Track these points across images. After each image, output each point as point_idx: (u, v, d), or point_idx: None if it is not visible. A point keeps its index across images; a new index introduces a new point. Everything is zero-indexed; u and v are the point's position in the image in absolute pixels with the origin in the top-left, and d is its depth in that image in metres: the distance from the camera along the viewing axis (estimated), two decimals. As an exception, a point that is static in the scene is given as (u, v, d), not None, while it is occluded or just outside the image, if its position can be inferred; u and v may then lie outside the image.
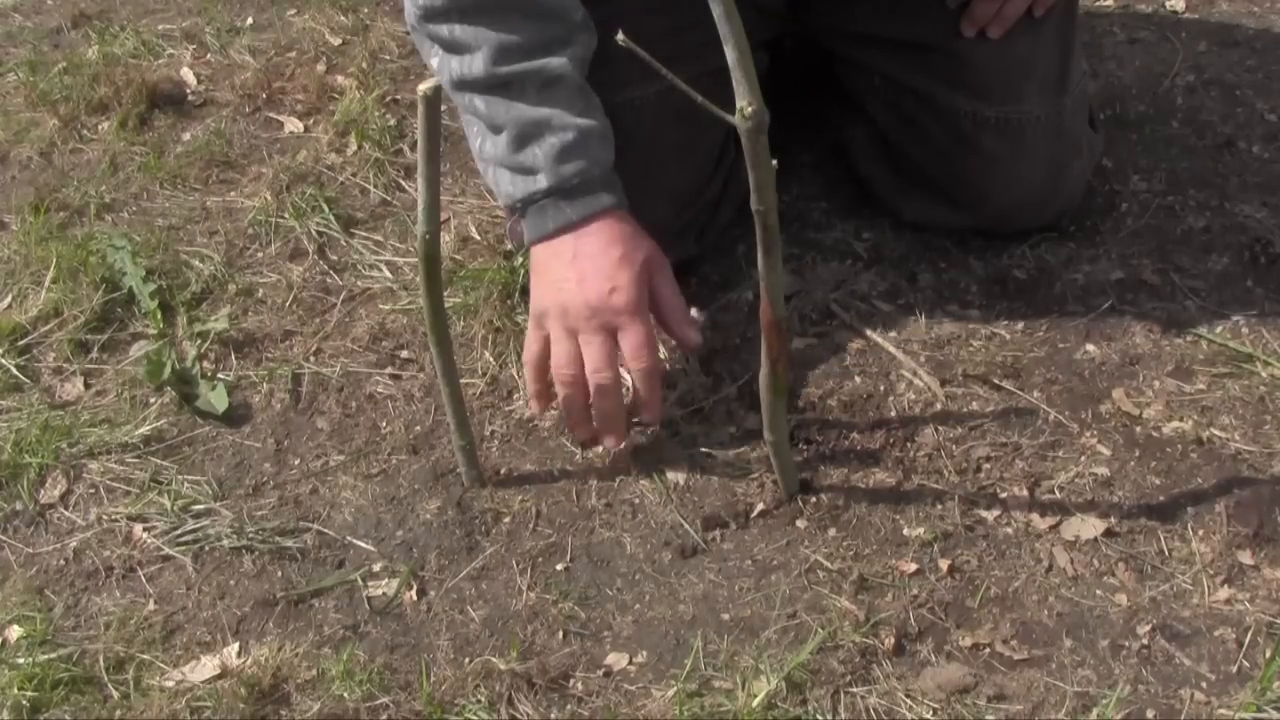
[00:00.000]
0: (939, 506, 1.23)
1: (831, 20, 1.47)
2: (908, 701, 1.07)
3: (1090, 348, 1.38)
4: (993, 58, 1.39)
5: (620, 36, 0.88)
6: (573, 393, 1.24)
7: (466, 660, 1.12)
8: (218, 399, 1.34)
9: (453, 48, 1.24)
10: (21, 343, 1.42)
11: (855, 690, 1.08)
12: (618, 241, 1.24)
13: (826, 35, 1.50)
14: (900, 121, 1.47)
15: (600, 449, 1.28)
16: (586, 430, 1.27)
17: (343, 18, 1.96)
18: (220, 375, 1.38)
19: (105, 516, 1.25)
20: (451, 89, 1.27)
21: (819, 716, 1.06)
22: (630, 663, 1.12)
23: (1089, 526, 1.20)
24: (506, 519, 1.24)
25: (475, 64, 1.23)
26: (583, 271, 1.23)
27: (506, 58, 1.22)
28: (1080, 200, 1.52)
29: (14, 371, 1.39)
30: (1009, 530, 1.21)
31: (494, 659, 1.11)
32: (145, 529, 1.23)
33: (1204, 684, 1.08)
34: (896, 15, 1.41)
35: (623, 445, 1.26)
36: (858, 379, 1.36)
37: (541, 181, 1.24)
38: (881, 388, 1.34)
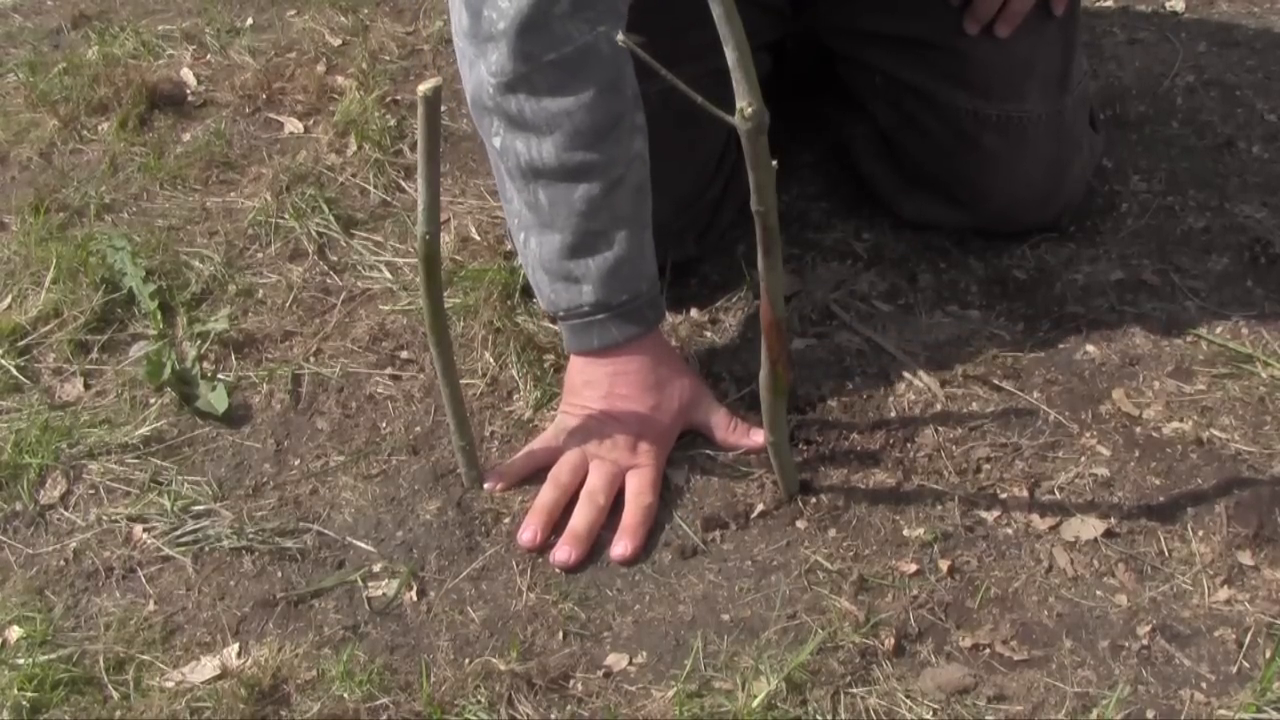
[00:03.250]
0: (939, 507, 1.23)
1: (834, 18, 1.47)
2: (908, 702, 1.07)
3: (1090, 348, 1.38)
4: (995, 56, 1.39)
5: (620, 36, 0.88)
6: (556, 497, 1.22)
7: (466, 660, 1.12)
8: (218, 399, 1.34)
9: (521, 125, 1.18)
10: (21, 343, 1.42)
11: (855, 691, 1.08)
12: (653, 387, 1.25)
13: (828, 33, 1.50)
14: (901, 120, 1.47)
15: (537, 555, 1.20)
16: (541, 531, 1.20)
17: (343, 18, 1.96)
18: (220, 375, 1.38)
19: (105, 517, 1.25)
20: (516, 176, 1.22)
21: (819, 717, 1.06)
22: (630, 663, 1.12)
23: (1089, 527, 1.20)
24: (506, 519, 1.24)
25: (545, 150, 1.18)
26: (614, 409, 1.25)
27: (578, 142, 1.18)
28: (1081, 200, 1.52)
29: (14, 371, 1.39)
30: (1009, 530, 1.21)
31: (494, 659, 1.11)
32: (145, 529, 1.23)
33: (1204, 684, 1.08)
34: (899, 12, 1.41)
35: (571, 562, 1.18)
36: (858, 379, 1.35)
37: (588, 295, 1.23)
38: (881, 388, 1.34)
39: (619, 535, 1.20)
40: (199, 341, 1.42)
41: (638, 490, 1.22)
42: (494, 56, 1.16)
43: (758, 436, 1.25)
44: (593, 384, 1.26)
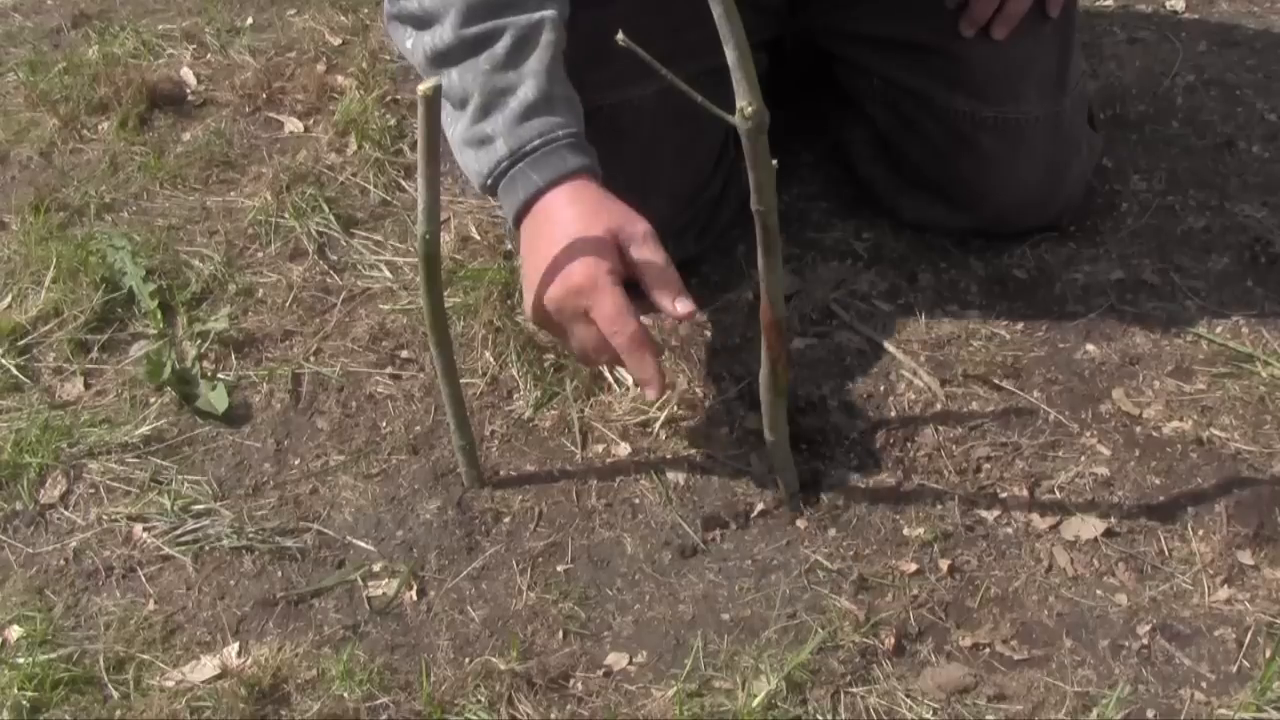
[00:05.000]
0: (939, 506, 1.23)
1: (829, 20, 1.47)
2: (908, 701, 1.07)
3: (1090, 348, 1.38)
4: (991, 58, 1.39)
5: (620, 36, 0.88)
6: (599, 357, 1.16)
7: (466, 660, 1.12)
8: (218, 399, 1.34)
9: (422, 22, 1.19)
10: (21, 343, 1.42)
11: (855, 690, 1.08)
12: (574, 219, 1.14)
13: (825, 35, 1.50)
14: (899, 122, 1.47)
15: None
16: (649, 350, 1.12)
17: (343, 18, 1.96)
18: (220, 375, 1.38)
19: (105, 516, 1.25)
20: (427, 70, 1.20)
21: (819, 716, 1.06)
22: (630, 663, 1.12)
23: (1089, 526, 1.20)
24: (506, 519, 1.24)
25: (444, 32, 1.17)
26: (539, 259, 1.15)
27: (474, 16, 1.16)
28: (1081, 200, 1.52)
29: (14, 371, 1.39)
30: (1009, 530, 1.21)
31: (494, 659, 1.11)
32: (145, 529, 1.23)
33: (1204, 684, 1.08)
34: (895, 15, 1.41)
35: (664, 391, 1.14)
36: (858, 379, 1.36)
37: (500, 148, 1.17)
38: (881, 388, 1.34)
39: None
40: (199, 341, 1.42)
41: (608, 328, 1.11)
42: None
43: (685, 307, 1.13)
44: (526, 238, 1.18)
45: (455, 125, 1.20)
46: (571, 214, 1.14)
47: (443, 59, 1.19)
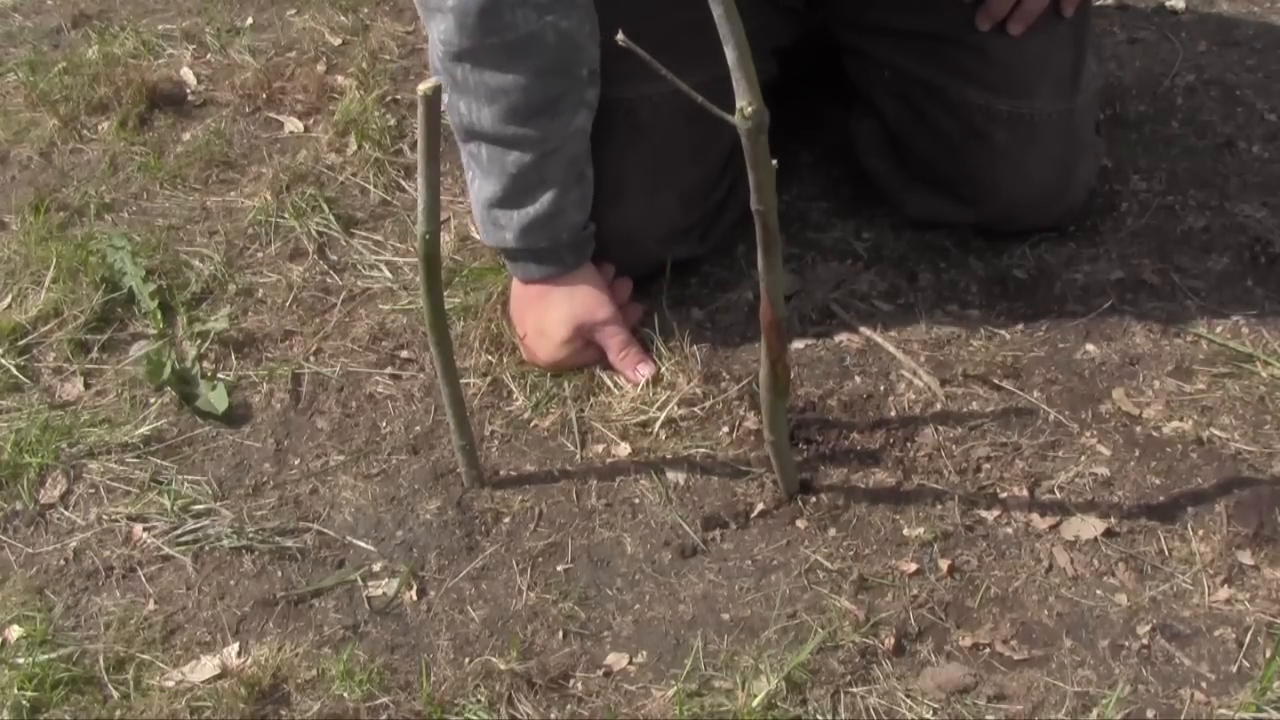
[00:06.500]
0: (939, 506, 1.23)
1: (846, 11, 1.47)
2: (908, 701, 1.07)
3: (1090, 348, 1.38)
4: (1008, 52, 1.40)
5: (620, 36, 0.88)
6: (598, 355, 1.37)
7: (466, 660, 1.12)
8: (218, 399, 1.34)
9: (464, 90, 1.26)
10: (21, 343, 1.42)
11: (855, 690, 1.08)
12: (562, 306, 1.34)
13: (839, 26, 1.50)
14: (909, 114, 1.47)
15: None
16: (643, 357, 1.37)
17: (343, 18, 1.96)
18: (220, 375, 1.38)
19: (105, 516, 1.25)
20: (458, 131, 1.30)
21: (819, 716, 1.06)
22: (630, 663, 1.12)
23: (1089, 526, 1.20)
24: (506, 519, 1.24)
25: (484, 117, 1.26)
26: (534, 330, 1.35)
27: (513, 118, 1.26)
28: (1083, 204, 1.52)
29: (14, 371, 1.39)
30: (1009, 530, 1.21)
31: (494, 659, 1.11)
32: (145, 529, 1.23)
33: (1204, 684, 1.08)
34: (912, 7, 1.41)
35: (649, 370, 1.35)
36: (858, 379, 1.36)
37: (509, 239, 1.33)
38: (881, 388, 1.34)
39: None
40: (199, 341, 1.42)
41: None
42: (442, 26, 1.23)
43: (644, 371, 1.34)
44: (521, 299, 1.38)
45: (476, 181, 1.33)
46: (559, 301, 1.34)
47: (475, 135, 1.29)
